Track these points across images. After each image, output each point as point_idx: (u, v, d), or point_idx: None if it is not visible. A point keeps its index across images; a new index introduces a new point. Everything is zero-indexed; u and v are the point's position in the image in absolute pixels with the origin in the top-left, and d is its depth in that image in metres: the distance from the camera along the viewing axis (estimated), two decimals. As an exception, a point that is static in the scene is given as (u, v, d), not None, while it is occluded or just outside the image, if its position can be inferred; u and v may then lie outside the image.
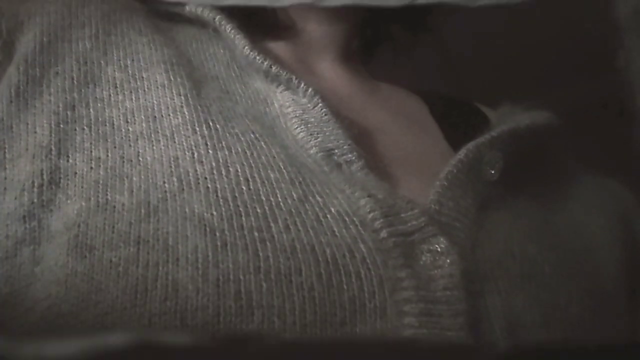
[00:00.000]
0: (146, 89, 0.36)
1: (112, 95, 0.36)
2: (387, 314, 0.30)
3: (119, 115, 0.35)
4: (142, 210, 0.30)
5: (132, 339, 0.16)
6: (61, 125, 0.34)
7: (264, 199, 0.31)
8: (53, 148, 0.33)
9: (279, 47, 0.43)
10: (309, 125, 0.36)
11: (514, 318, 0.32)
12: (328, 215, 0.31)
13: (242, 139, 0.34)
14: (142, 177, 0.32)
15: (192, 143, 0.33)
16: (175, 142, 0.33)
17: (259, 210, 0.30)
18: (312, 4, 0.27)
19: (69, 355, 0.16)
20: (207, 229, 0.29)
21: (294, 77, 0.38)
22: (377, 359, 0.17)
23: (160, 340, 0.16)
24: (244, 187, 0.31)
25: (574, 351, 0.18)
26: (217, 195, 0.31)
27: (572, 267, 0.37)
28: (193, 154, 0.33)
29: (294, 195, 0.32)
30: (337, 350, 0.17)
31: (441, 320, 0.30)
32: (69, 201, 0.32)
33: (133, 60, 0.37)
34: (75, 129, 0.34)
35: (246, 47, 0.39)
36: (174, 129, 0.34)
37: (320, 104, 0.37)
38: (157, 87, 0.36)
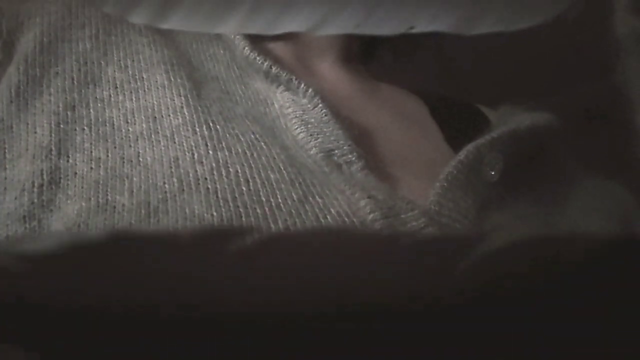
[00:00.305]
0: (146, 90, 0.36)
1: (112, 95, 0.36)
2: None
3: (119, 116, 0.35)
4: (142, 211, 0.30)
5: (109, 231, 0.16)
6: (61, 126, 0.34)
7: (264, 199, 0.31)
8: (53, 148, 0.33)
9: (279, 47, 0.43)
10: (309, 126, 0.36)
11: None
12: (328, 216, 0.31)
13: (242, 139, 0.34)
14: (142, 177, 0.32)
15: (192, 144, 0.33)
16: (175, 142, 0.33)
17: (259, 211, 0.30)
18: (305, 32, 0.27)
19: (48, 249, 0.16)
20: (207, 230, 0.29)
21: (294, 78, 0.38)
22: (362, 253, 0.17)
23: (137, 231, 0.16)
24: (244, 188, 0.31)
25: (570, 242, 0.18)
26: (217, 196, 0.31)
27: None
28: (193, 154, 0.33)
29: (294, 196, 0.32)
30: (322, 242, 0.17)
31: None
32: (69, 201, 0.32)
33: (133, 60, 0.37)
34: (76, 129, 0.34)
35: (246, 48, 0.39)
36: (174, 129, 0.34)
37: (320, 105, 0.37)
38: (158, 88, 0.36)
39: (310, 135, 0.36)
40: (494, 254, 0.17)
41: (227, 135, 0.34)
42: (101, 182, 0.32)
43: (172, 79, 0.36)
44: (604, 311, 0.17)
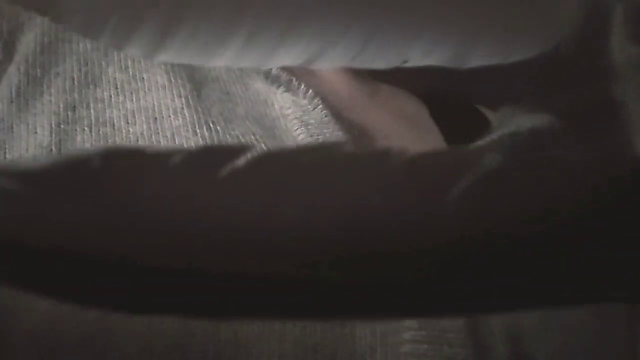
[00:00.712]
0: (147, 90, 0.36)
1: (112, 96, 0.36)
2: None
3: (120, 116, 0.35)
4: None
5: (103, 149, 0.16)
6: (62, 126, 0.34)
7: None
8: (53, 148, 0.33)
9: (279, 48, 0.43)
10: (309, 127, 0.36)
11: (513, 321, 0.32)
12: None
13: (243, 140, 0.34)
14: (143, 178, 0.32)
15: (193, 145, 0.33)
16: (175, 143, 0.33)
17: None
18: (300, 66, 0.27)
19: (44, 165, 0.16)
20: (208, 231, 0.29)
21: (294, 79, 0.38)
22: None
23: (131, 148, 0.16)
24: (244, 189, 0.31)
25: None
26: None
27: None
28: None
29: (295, 198, 0.32)
30: (316, 161, 0.17)
31: (441, 322, 0.31)
32: (69, 202, 0.32)
33: (134, 61, 0.37)
34: (76, 130, 0.34)
35: (247, 48, 0.39)
36: (174, 130, 0.34)
37: (320, 106, 0.37)
38: (158, 89, 0.36)
39: (311, 136, 0.36)
40: (490, 176, 0.16)
41: (228, 136, 0.34)
42: (102, 182, 0.32)
43: (173, 80, 0.36)
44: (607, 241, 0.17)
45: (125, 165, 0.17)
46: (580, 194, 0.17)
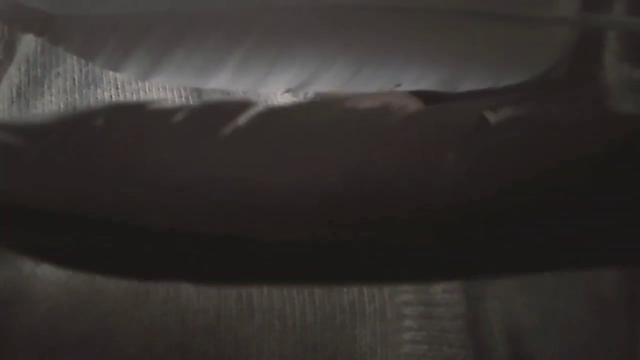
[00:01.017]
0: (147, 91, 0.36)
1: (113, 96, 0.36)
2: (387, 317, 0.30)
3: None
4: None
5: (108, 104, 0.16)
6: None
7: None
8: None
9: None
10: (310, 127, 0.36)
11: (513, 321, 0.32)
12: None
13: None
14: (143, 178, 0.32)
15: None
16: None
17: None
18: (297, 89, 0.28)
19: (49, 120, 0.16)
20: (208, 231, 0.29)
21: None
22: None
23: (136, 104, 0.16)
24: (245, 189, 0.31)
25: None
26: None
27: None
28: None
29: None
30: (319, 117, 0.17)
31: (441, 322, 0.31)
32: (70, 202, 0.32)
33: None
34: (77, 130, 0.34)
35: (247, 49, 0.39)
36: None
37: None
38: (159, 89, 0.36)
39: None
40: (493, 131, 0.16)
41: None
42: (102, 182, 0.32)
43: (173, 80, 0.36)
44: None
45: (129, 124, 0.17)
46: (584, 151, 0.17)
